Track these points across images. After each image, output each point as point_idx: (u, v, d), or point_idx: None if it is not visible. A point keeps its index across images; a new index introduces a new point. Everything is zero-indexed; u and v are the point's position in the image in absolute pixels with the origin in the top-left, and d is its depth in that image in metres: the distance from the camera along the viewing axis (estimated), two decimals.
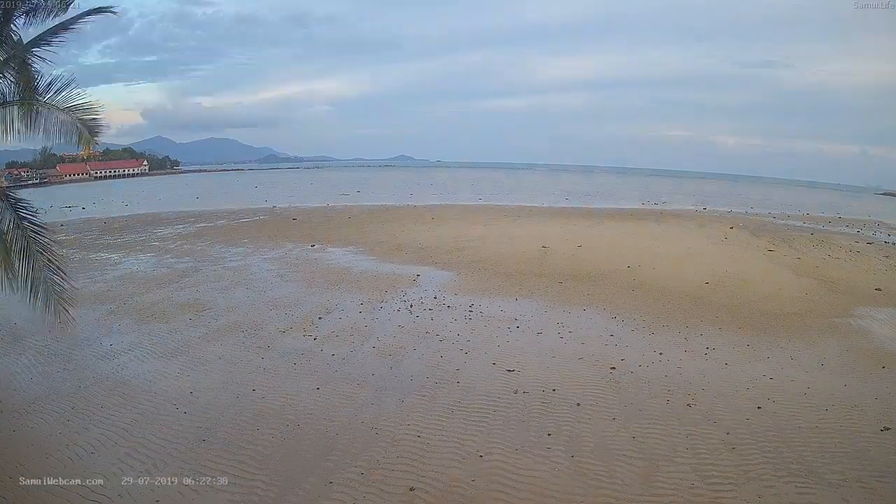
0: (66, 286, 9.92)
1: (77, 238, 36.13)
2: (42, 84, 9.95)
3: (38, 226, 9.98)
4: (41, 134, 9.94)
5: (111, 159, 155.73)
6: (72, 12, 10.21)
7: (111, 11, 10.73)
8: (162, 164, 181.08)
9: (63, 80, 9.98)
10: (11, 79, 9.93)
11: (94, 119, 10.07)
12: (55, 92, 9.92)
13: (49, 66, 10.14)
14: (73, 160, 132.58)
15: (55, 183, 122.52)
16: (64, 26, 10.13)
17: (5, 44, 10.11)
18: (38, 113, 9.78)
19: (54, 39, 10.09)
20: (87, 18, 10.29)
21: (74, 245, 33.00)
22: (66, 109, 9.88)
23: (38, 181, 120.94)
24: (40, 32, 10.12)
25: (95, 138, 10.20)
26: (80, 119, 9.92)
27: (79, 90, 9.97)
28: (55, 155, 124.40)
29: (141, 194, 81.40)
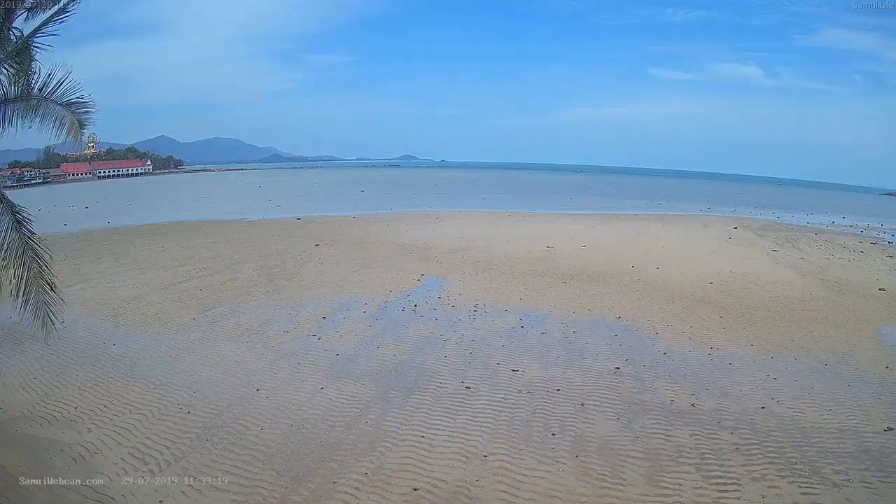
0: (56, 297, 9.85)
1: (80, 246, 36.23)
2: (41, 78, 9.97)
3: (33, 232, 9.93)
4: (36, 126, 9.98)
5: (115, 158, 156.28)
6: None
7: None
8: (165, 164, 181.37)
9: (61, 74, 10.01)
10: (11, 71, 9.93)
11: (86, 112, 10.16)
12: (54, 87, 9.94)
13: (47, 56, 10.19)
14: (76, 160, 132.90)
15: (58, 182, 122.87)
16: (63, 9, 10.14)
17: (6, 41, 10.13)
18: (36, 107, 9.82)
19: (51, 31, 10.11)
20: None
21: (76, 251, 33.12)
22: (64, 104, 9.92)
23: (40, 180, 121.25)
24: (38, 24, 10.14)
25: (83, 130, 10.24)
26: (73, 113, 9.98)
27: (74, 85, 10.05)
28: (59, 154, 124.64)
29: (143, 195, 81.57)
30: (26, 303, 9.38)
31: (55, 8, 10.19)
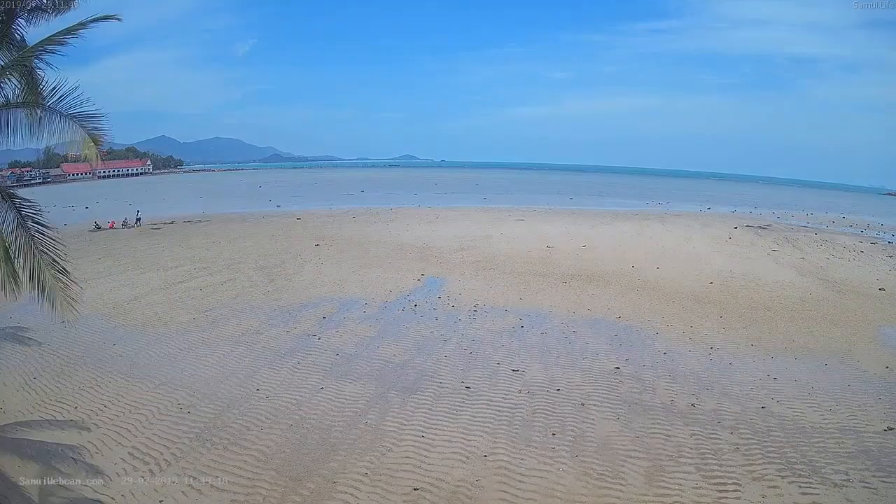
0: (71, 284, 9.89)
1: (80, 246, 36.24)
2: (47, 89, 9.91)
3: (42, 224, 9.98)
4: (44, 139, 9.93)
5: (115, 159, 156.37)
6: (75, 15, 10.19)
7: (116, 18, 10.77)
8: (166, 164, 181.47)
9: (68, 86, 9.94)
10: (16, 83, 9.91)
11: (97, 128, 10.07)
12: (59, 98, 9.89)
13: (53, 70, 10.11)
14: (76, 160, 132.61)
15: (59, 182, 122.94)
16: (70, 31, 10.10)
17: (8, 45, 10.10)
18: (41, 119, 9.77)
19: (58, 47, 10.07)
20: (91, 25, 10.26)
21: (76, 251, 33.14)
22: (71, 116, 9.87)
23: (40, 180, 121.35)
24: (43, 38, 10.09)
25: (99, 148, 10.18)
26: (83, 127, 9.91)
27: (82, 97, 9.96)
28: (58, 154, 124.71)
29: (143, 195, 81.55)
30: (41, 292, 9.44)
31: (59, 17, 10.15)
